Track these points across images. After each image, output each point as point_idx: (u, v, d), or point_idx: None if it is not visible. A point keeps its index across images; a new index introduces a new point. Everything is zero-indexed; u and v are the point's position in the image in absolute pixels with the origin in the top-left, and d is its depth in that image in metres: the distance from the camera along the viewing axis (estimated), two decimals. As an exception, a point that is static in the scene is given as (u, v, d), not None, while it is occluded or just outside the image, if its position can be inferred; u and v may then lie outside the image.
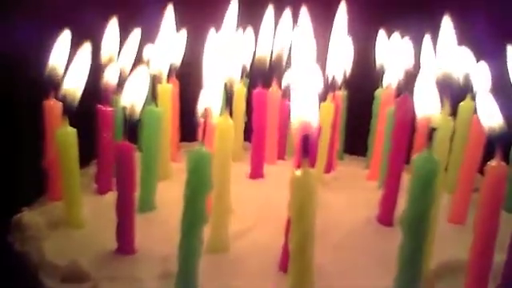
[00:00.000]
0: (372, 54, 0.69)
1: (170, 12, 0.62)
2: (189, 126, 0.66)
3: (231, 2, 0.64)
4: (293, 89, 0.41)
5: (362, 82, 0.68)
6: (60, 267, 0.47)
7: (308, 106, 0.39)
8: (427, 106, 0.41)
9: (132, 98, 0.50)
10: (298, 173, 0.38)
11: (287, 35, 0.66)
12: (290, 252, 0.40)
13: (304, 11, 0.62)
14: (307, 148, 0.37)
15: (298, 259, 0.39)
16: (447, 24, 0.56)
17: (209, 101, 0.46)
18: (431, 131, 0.38)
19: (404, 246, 0.40)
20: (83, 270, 0.46)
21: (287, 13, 0.66)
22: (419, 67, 0.59)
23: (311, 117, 0.38)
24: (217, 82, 0.47)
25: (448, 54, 0.53)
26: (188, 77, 0.65)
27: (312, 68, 0.44)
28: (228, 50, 0.55)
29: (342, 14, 0.62)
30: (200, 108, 0.46)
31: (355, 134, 0.72)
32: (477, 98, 0.45)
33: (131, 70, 0.60)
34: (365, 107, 0.69)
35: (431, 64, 0.57)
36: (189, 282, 0.43)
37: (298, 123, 0.38)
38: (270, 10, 0.66)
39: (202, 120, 0.49)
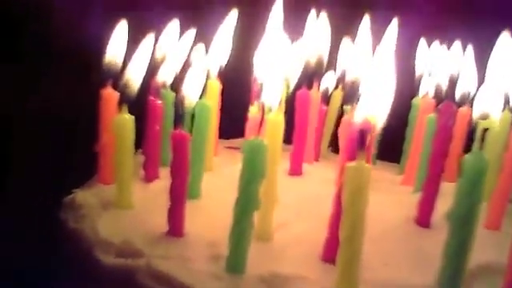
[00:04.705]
0: (406, 62, 0.70)
1: (233, 15, 0.65)
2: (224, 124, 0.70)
3: (275, 5, 0.66)
4: (363, 87, 0.43)
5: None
6: (114, 244, 0.49)
7: (378, 106, 0.41)
8: (487, 107, 0.43)
9: (189, 92, 0.52)
10: (352, 164, 0.40)
11: (326, 38, 0.68)
12: (340, 241, 0.42)
13: (367, 19, 0.63)
14: (364, 141, 0.39)
15: (348, 248, 0.41)
16: (504, 38, 0.58)
17: (268, 97, 0.48)
18: (483, 132, 0.40)
19: (450, 242, 0.41)
20: (137, 247, 0.48)
21: (324, 16, 0.68)
22: (460, 75, 0.61)
23: (378, 117, 0.40)
24: (277, 80, 0.49)
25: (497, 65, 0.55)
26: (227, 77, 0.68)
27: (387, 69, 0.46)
28: (287, 51, 0.57)
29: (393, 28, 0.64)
30: (258, 103, 0.48)
31: (385, 140, 0.74)
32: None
33: (183, 66, 0.63)
34: (394, 114, 0.71)
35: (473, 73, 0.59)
36: (239, 265, 0.45)
37: (361, 119, 0.40)
38: (312, 14, 0.68)
39: (255, 115, 0.52)
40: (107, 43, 0.58)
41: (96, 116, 0.59)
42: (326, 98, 0.74)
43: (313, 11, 0.67)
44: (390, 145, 0.74)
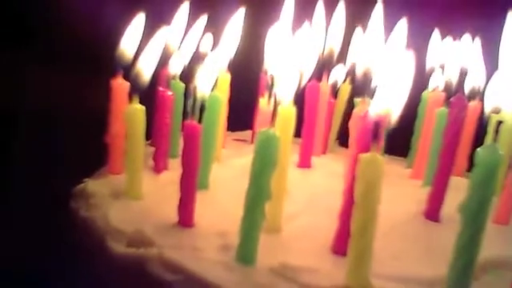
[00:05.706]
0: (415, 55, 0.70)
1: (241, 11, 0.65)
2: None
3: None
4: (380, 79, 0.43)
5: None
6: (125, 233, 0.49)
7: (394, 99, 0.41)
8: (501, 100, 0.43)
9: (201, 84, 0.52)
10: (366, 155, 0.40)
11: (339, 30, 0.68)
12: (352, 233, 0.42)
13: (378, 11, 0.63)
14: (378, 133, 0.39)
15: (360, 240, 0.41)
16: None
17: (282, 89, 0.48)
18: (497, 124, 0.40)
19: (462, 235, 0.41)
20: (148, 236, 0.48)
21: (341, 7, 0.68)
22: (469, 69, 0.60)
23: (393, 109, 0.40)
24: (291, 71, 0.49)
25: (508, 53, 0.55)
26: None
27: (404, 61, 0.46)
28: (301, 42, 0.57)
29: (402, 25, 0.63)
30: (271, 95, 0.48)
31: (391, 134, 0.74)
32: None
33: (192, 58, 0.63)
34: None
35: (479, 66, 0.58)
36: (249, 256, 0.46)
37: (377, 111, 0.40)
38: (320, 5, 0.68)
39: (265, 107, 0.51)
40: (118, 33, 0.58)
41: (107, 106, 0.59)
42: (335, 91, 0.74)
43: (320, 1, 0.67)
44: (396, 139, 0.74)
